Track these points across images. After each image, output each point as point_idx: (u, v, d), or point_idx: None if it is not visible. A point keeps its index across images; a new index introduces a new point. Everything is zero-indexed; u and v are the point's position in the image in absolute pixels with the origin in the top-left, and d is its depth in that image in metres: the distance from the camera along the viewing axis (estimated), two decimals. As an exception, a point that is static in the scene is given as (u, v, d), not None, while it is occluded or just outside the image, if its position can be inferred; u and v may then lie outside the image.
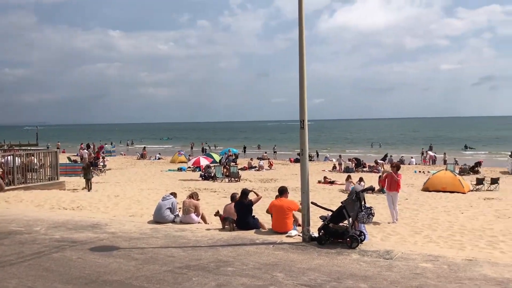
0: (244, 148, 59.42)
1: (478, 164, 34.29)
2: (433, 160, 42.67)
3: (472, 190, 22.71)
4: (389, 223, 13.27)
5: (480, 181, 23.71)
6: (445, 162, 39.26)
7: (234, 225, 9.50)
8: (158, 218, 10.53)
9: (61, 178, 20.15)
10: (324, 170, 34.49)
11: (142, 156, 47.58)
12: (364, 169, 34.86)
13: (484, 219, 14.34)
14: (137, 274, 6.52)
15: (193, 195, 11.11)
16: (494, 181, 23.59)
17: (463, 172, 31.20)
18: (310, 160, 44.71)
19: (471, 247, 10.33)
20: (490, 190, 22.77)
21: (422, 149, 50.63)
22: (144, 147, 57.47)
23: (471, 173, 31.64)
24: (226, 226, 9.60)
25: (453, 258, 7.12)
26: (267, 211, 9.59)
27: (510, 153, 40.14)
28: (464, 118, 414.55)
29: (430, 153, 44.68)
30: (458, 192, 21.46)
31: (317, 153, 50.37)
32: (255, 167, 35.59)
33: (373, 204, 17.22)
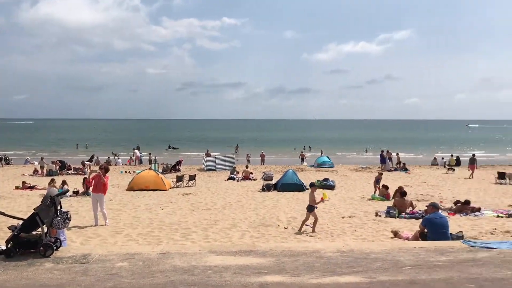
0: None
1: (179, 162, 37.34)
2: (140, 160, 44.17)
3: (173, 187, 24.55)
4: (91, 226, 13.10)
5: (179, 178, 25.86)
6: (150, 161, 41.28)
7: None
8: None
9: None
10: (23, 175, 31.38)
11: None
12: (69, 171, 33.37)
13: (181, 213, 15.76)
14: None
15: None
16: (191, 177, 26.16)
17: (165, 170, 33.43)
18: (7, 163, 40.04)
19: (167, 241, 11.20)
20: (188, 186, 25.14)
21: (112, 152, 51.61)
22: None
23: (173, 171, 34.22)
24: None
25: (149, 253, 7.52)
26: None
27: (206, 152, 45.47)
28: (169, 120, 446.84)
29: (137, 153, 46.04)
30: (160, 190, 22.84)
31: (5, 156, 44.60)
32: None
33: (77, 207, 16.73)
